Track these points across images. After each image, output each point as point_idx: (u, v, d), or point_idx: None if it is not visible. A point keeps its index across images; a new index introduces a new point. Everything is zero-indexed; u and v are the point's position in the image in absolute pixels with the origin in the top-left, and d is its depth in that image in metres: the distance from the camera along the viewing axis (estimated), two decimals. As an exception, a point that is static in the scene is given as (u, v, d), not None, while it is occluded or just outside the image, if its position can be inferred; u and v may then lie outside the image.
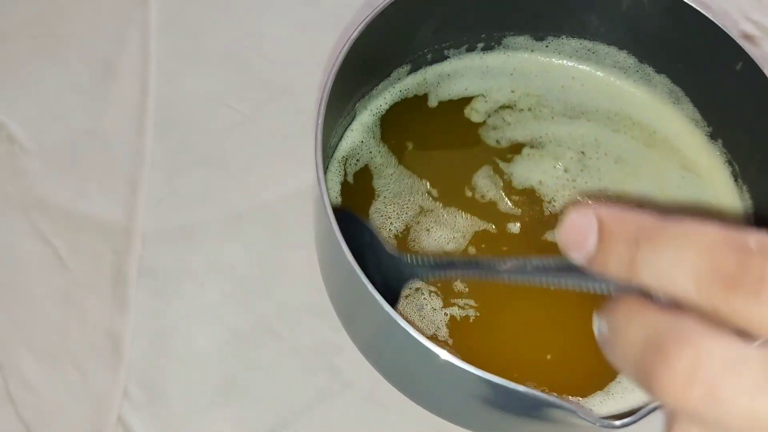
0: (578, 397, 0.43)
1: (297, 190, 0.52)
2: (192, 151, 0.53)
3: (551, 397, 0.35)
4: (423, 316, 0.44)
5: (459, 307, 0.45)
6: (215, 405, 0.47)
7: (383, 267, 0.43)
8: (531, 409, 0.37)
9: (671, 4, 0.45)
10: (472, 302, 0.45)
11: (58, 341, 0.48)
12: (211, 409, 0.47)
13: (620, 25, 0.49)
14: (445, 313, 0.45)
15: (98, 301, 0.49)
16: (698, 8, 0.45)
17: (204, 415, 0.46)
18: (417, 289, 0.45)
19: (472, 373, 0.35)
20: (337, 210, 0.38)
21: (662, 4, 0.46)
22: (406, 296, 0.45)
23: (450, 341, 0.44)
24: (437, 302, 0.45)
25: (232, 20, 0.57)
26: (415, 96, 0.50)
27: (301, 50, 0.56)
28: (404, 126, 0.49)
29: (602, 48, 0.50)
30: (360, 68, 0.44)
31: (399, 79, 0.50)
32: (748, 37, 0.57)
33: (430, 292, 0.45)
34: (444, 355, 0.35)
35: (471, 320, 0.44)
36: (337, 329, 0.48)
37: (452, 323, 0.44)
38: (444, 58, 0.51)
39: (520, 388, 0.34)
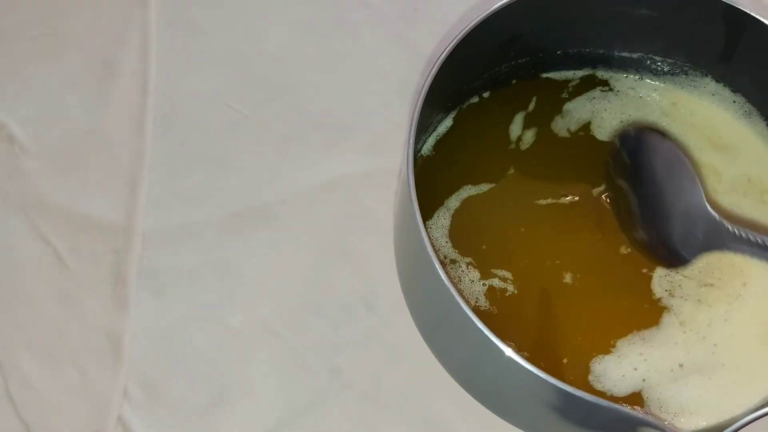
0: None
1: (296, 190, 0.52)
2: (192, 151, 0.53)
3: (638, 414, 0.34)
4: (462, 288, 0.45)
5: (499, 278, 0.45)
6: (215, 405, 0.47)
7: (688, 218, 0.41)
8: (609, 423, 0.36)
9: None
10: (510, 275, 0.45)
11: (58, 341, 0.48)
12: (211, 409, 0.47)
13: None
14: (483, 284, 0.45)
15: (98, 301, 0.49)
16: None
17: (204, 415, 0.46)
18: (453, 261, 0.46)
19: (547, 381, 0.34)
20: (648, 128, 0.39)
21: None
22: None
23: (494, 310, 0.45)
24: (475, 274, 0.45)
25: (232, 20, 0.57)
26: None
27: (301, 50, 0.56)
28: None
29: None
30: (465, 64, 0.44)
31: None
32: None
33: (467, 264, 0.45)
34: (509, 352, 0.35)
35: (508, 293, 0.45)
36: (336, 329, 0.48)
37: (490, 293, 0.45)
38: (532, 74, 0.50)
39: (605, 403, 0.34)
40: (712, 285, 0.46)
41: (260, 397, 0.47)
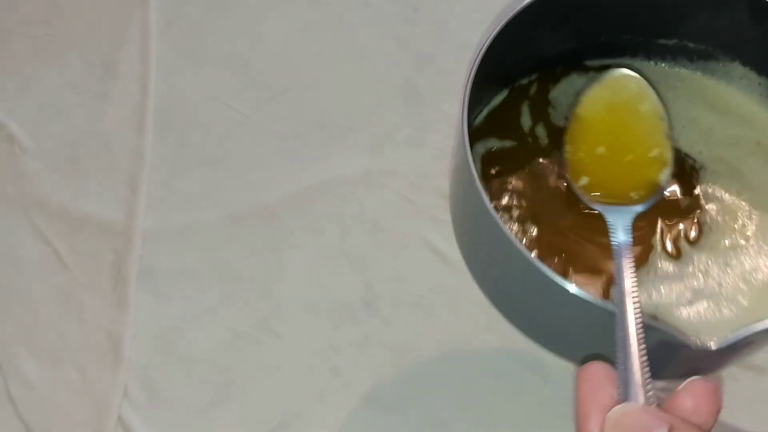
0: None
1: (296, 190, 0.52)
2: (192, 151, 0.53)
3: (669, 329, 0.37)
4: None
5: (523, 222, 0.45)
6: (215, 405, 0.47)
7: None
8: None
9: None
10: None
11: (58, 341, 0.48)
12: (211, 409, 0.47)
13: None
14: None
15: (98, 301, 0.49)
16: None
17: (204, 415, 0.47)
18: None
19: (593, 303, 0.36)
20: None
21: None
22: None
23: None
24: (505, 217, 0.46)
25: (232, 20, 0.57)
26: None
27: (301, 50, 0.56)
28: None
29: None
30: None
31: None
32: None
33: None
34: (572, 288, 0.36)
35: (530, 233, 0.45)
36: (336, 329, 0.48)
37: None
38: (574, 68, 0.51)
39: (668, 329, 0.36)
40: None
41: (260, 397, 0.47)
